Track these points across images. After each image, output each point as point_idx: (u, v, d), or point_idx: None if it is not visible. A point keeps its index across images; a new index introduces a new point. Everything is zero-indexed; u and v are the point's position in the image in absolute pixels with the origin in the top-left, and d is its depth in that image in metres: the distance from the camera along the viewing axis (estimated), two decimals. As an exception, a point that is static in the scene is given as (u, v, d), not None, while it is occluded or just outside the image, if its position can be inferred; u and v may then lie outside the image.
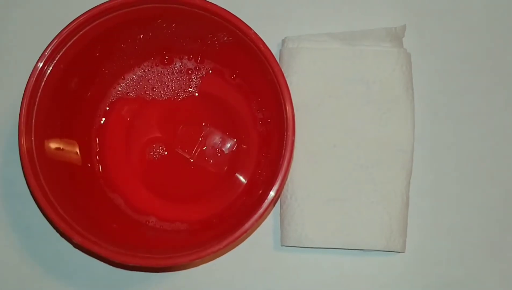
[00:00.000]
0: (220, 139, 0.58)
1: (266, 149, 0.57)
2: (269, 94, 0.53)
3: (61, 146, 0.55)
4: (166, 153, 0.59)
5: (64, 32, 0.51)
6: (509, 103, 0.61)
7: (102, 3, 0.51)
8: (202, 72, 0.59)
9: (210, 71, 0.59)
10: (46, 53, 0.51)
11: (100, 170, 0.58)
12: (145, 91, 0.59)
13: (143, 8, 0.52)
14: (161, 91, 0.59)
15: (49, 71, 0.51)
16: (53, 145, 0.54)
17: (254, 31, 0.51)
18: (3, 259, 0.58)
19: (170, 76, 0.59)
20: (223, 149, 0.58)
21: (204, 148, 0.58)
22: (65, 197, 0.52)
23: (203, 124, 0.59)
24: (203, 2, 0.51)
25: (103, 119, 0.59)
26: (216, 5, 0.51)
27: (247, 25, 0.51)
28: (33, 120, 0.51)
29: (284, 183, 0.55)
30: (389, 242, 0.57)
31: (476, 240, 0.59)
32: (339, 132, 0.58)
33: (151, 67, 0.59)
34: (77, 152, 0.56)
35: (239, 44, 0.52)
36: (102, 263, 0.58)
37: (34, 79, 0.51)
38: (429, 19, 0.62)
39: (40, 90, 0.51)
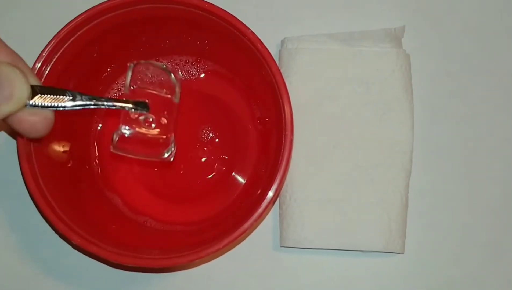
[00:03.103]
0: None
1: (265, 149, 0.57)
2: (267, 93, 0.53)
3: (60, 148, 0.55)
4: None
5: (62, 32, 0.51)
6: (509, 104, 0.61)
7: (99, 4, 0.51)
8: (201, 73, 0.59)
9: (209, 72, 0.59)
10: (43, 54, 0.51)
11: (99, 171, 0.58)
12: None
13: (140, 9, 0.52)
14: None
15: (47, 72, 0.51)
16: (51, 146, 0.54)
17: (251, 30, 0.51)
18: (2, 260, 0.58)
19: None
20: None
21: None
22: (64, 199, 0.52)
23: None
24: (201, 2, 0.51)
25: (100, 125, 0.59)
26: (214, 4, 0.51)
27: (244, 25, 0.51)
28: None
29: (283, 183, 0.55)
30: (388, 243, 0.56)
31: (476, 241, 0.59)
32: (339, 133, 0.58)
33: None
34: (75, 154, 0.56)
35: (237, 44, 0.52)
36: (101, 264, 0.58)
37: (32, 80, 0.51)
38: (428, 20, 0.62)
39: (38, 91, 0.51)
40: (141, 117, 0.50)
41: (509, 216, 0.59)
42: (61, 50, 0.52)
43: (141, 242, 0.55)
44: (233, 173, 0.58)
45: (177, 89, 0.51)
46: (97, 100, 0.45)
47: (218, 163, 0.58)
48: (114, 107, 0.47)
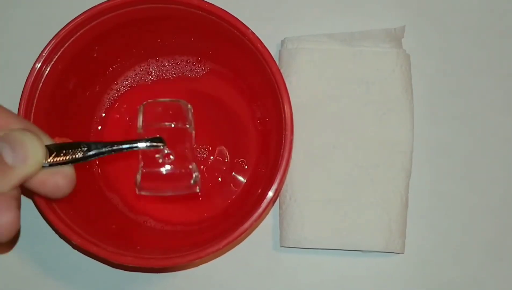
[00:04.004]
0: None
1: (265, 149, 0.57)
2: (267, 93, 0.53)
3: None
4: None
5: (62, 32, 0.51)
6: (509, 104, 0.60)
7: (100, 4, 0.51)
8: (202, 73, 0.59)
9: (210, 72, 0.59)
10: (44, 54, 0.51)
11: (99, 172, 0.58)
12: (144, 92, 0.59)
13: (141, 9, 0.52)
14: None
15: (47, 72, 0.51)
16: (51, 146, 0.54)
17: (251, 30, 0.51)
18: (2, 260, 0.58)
19: (169, 76, 0.59)
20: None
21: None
22: (64, 199, 0.52)
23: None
24: (201, 2, 0.51)
25: (99, 127, 0.59)
26: (214, 5, 0.51)
27: (244, 25, 0.51)
28: (31, 121, 0.51)
29: (283, 183, 0.55)
30: (388, 243, 0.56)
31: (476, 241, 0.59)
32: (339, 133, 0.58)
33: (149, 67, 0.59)
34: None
35: (237, 44, 0.52)
36: (101, 264, 0.58)
37: (32, 80, 0.51)
38: (429, 20, 0.62)
39: (38, 91, 0.51)
40: (157, 155, 0.51)
41: (509, 216, 0.59)
42: (61, 50, 0.52)
43: (141, 242, 0.55)
44: (233, 173, 0.58)
45: (190, 117, 0.52)
46: (112, 145, 0.45)
47: (218, 163, 0.58)
48: (131, 149, 0.46)
